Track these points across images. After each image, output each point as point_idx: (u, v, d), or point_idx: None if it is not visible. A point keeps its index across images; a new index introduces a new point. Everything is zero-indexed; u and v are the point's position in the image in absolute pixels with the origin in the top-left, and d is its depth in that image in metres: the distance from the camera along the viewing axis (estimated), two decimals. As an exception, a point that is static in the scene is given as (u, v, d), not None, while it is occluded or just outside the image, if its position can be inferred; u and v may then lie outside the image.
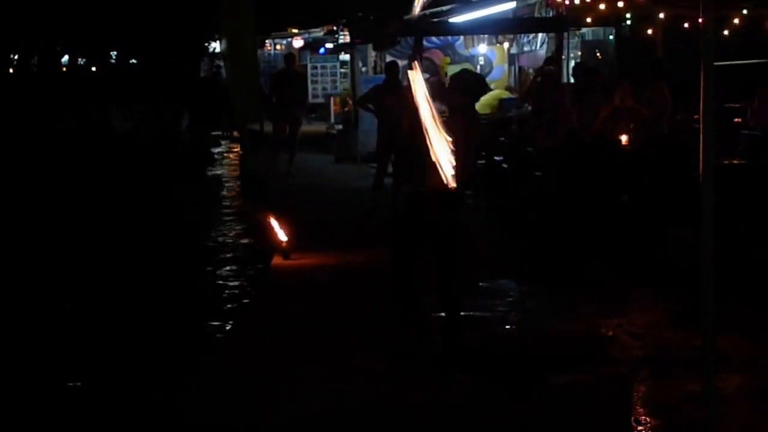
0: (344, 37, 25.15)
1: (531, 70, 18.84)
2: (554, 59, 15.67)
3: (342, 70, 26.25)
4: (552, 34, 16.78)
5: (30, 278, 10.81)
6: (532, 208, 11.20)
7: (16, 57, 31.73)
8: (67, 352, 8.09)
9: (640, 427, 5.59)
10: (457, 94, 7.05)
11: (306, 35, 30.34)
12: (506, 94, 19.01)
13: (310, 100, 24.78)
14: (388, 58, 21.14)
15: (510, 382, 6.41)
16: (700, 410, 5.31)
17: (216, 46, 36.09)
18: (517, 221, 11.46)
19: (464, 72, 7.70)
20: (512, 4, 18.36)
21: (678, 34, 15.54)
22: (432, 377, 6.54)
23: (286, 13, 29.37)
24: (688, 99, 11.89)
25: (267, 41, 32.63)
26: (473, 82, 7.45)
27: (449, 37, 20.41)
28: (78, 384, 7.27)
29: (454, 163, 6.05)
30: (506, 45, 20.83)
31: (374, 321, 7.73)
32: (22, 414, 6.65)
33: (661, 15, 15.65)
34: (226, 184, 18.76)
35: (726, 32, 14.99)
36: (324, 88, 26.72)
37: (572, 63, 17.12)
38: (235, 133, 25.22)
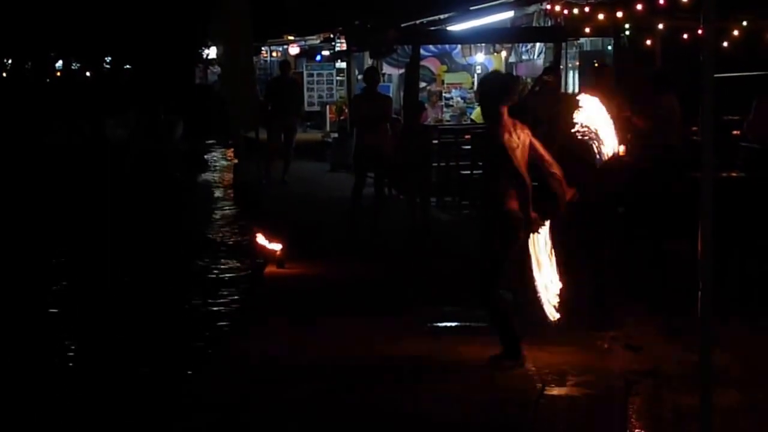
0: (341, 45, 25.07)
1: (529, 80, 18.72)
2: (552, 69, 15.51)
3: (338, 78, 26.20)
4: (550, 44, 16.68)
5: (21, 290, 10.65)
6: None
7: (9, 62, 31.55)
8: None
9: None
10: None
11: (302, 42, 30.23)
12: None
13: (306, 107, 24.77)
14: (385, 66, 21.13)
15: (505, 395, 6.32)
16: (696, 425, 5.18)
17: (209, 52, 35.94)
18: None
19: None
20: (510, 14, 18.28)
21: (677, 45, 15.46)
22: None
23: (283, 20, 29.23)
24: (687, 111, 11.86)
25: (263, 48, 32.54)
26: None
27: (447, 46, 20.34)
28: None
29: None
30: (504, 54, 20.74)
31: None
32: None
33: (660, 26, 15.56)
34: (220, 192, 18.66)
35: (725, 44, 14.93)
36: (320, 96, 26.66)
37: (570, 73, 17.00)
38: (230, 141, 25.12)
